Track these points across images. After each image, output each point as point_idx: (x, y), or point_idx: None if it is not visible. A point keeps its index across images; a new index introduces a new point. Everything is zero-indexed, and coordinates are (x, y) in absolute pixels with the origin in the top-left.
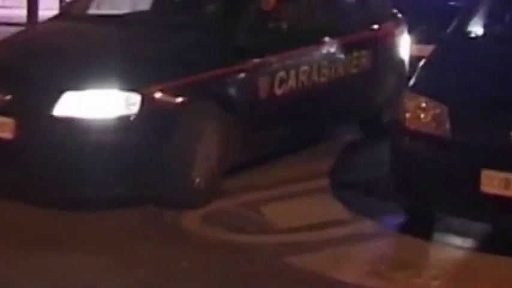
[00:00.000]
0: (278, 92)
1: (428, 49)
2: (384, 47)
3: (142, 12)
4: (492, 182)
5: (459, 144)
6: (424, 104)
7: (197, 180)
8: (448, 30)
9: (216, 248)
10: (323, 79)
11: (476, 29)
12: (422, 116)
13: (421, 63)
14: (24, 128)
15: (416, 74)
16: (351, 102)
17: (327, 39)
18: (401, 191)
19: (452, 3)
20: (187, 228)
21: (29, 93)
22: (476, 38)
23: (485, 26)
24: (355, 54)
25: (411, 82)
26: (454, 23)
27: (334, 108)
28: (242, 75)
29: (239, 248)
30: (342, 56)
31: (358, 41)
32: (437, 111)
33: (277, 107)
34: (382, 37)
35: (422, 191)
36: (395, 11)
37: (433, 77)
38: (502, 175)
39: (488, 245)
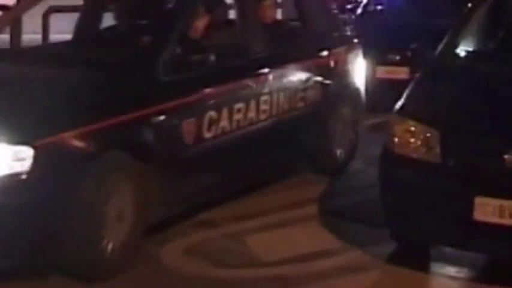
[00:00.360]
0: (207, 134)
1: (401, 71)
2: (335, 76)
3: (54, 46)
4: (486, 209)
5: (451, 170)
6: (413, 128)
7: (109, 246)
8: (438, 49)
9: (198, 284)
10: (263, 116)
11: (467, 47)
12: (411, 140)
13: (410, 84)
14: None
15: (404, 96)
16: (298, 140)
17: (266, 70)
18: (391, 219)
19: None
20: (167, 262)
21: None
22: (468, 56)
23: (476, 44)
24: (301, 85)
25: (399, 104)
26: (444, 41)
27: (278, 148)
28: (162, 117)
29: (222, 284)
30: (285, 88)
31: (304, 70)
32: (427, 135)
33: (207, 153)
34: (333, 65)
35: (413, 220)
36: (349, 34)
37: (422, 99)
38: (497, 202)
39: (484, 275)
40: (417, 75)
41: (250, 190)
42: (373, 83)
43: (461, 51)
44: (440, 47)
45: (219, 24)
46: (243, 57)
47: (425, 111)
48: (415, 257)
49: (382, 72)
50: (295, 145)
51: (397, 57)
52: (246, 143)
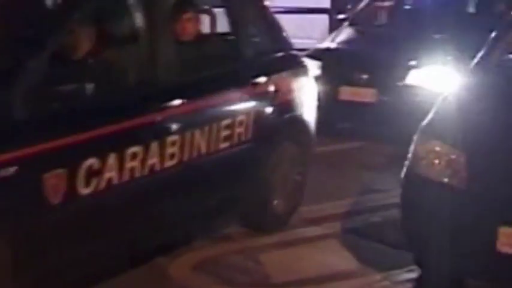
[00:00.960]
0: (84, 191)
1: (367, 92)
2: (275, 107)
3: None
4: (510, 240)
5: (475, 196)
6: (438, 149)
7: None
8: (472, 62)
9: None
10: (170, 163)
11: (504, 62)
12: (435, 162)
13: (439, 99)
14: None
15: (431, 113)
16: (222, 191)
17: (177, 102)
18: (411, 244)
19: (437, 36)
20: (174, 278)
21: None
22: (503, 72)
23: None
24: (226, 122)
25: (424, 122)
26: (480, 53)
27: (192, 203)
28: (13, 169)
29: None
30: (202, 126)
31: (229, 103)
32: (453, 157)
33: (82, 214)
34: (272, 94)
35: (434, 247)
36: (295, 54)
37: (449, 117)
38: None
39: None
40: (447, 90)
41: None
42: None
43: (497, 66)
44: (474, 60)
45: (114, 41)
46: (146, 85)
47: (452, 131)
48: (438, 285)
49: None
50: (217, 197)
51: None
52: (144, 198)
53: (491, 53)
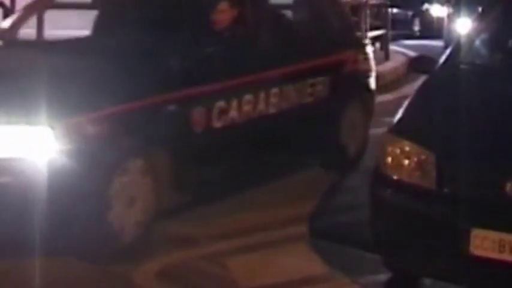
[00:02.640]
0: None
1: None
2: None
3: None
4: (484, 243)
5: (446, 197)
6: (407, 149)
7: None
8: (440, 61)
9: None
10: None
11: (472, 60)
12: (405, 162)
13: (408, 98)
14: None
15: (399, 113)
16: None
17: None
18: (381, 247)
19: None
20: (138, 286)
21: None
22: (472, 70)
23: (483, 57)
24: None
25: (394, 121)
26: (447, 52)
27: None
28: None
29: None
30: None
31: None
32: (423, 157)
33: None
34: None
35: (404, 250)
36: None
37: (418, 117)
38: (496, 235)
39: None
40: (416, 89)
41: (235, 205)
42: None
43: (466, 64)
44: (442, 59)
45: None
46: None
47: (422, 131)
48: None
49: None
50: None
51: None
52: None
53: (459, 51)
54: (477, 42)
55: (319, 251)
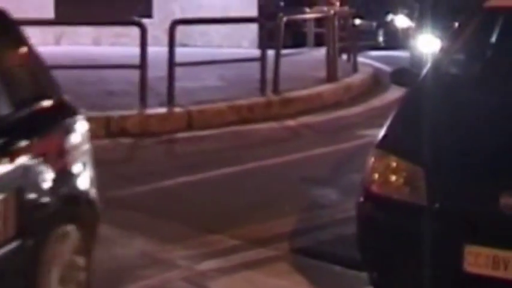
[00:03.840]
0: None
1: None
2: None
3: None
4: (478, 260)
5: (438, 213)
6: (394, 164)
7: None
8: (423, 72)
9: None
10: None
11: (455, 70)
12: (392, 178)
13: (393, 111)
14: None
15: (385, 127)
16: None
17: None
18: (369, 266)
19: None
20: None
21: None
22: (457, 80)
23: (466, 67)
24: None
25: (380, 136)
26: (430, 63)
27: None
28: None
29: None
30: None
31: None
32: (411, 173)
33: None
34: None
35: (394, 268)
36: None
37: (405, 131)
38: (490, 252)
39: None
40: (400, 102)
41: (213, 224)
42: None
43: (450, 76)
44: (425, 69)
45: None
46: None
47: (408, 145)
48: None
49: None
50: None
51: None
52: None
53: (441, 62)
54: (459, 53)
55: (301, 270)
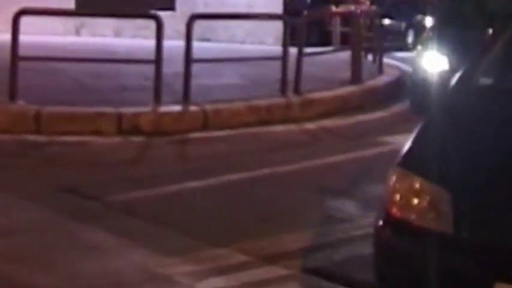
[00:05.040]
0: None
1: None
2: None
3: None
4: None
5: (466, 244)
6: (417, 186)
7: None
8: (451, 84)
9: None
10: None
11: (490, 82)
12: (415, 202)
13: (418, 126)
14: None
15: (409, 142)
16: None
17: None
18: None
19: None
20: None
21: None
22: (488, 94)
23: (499, 79)
24: None
25: (401, 154)
26: (459, 75)
27: None
28: None
29: None
30: None
31: None
32: (436, 196)
33: None
34: None
35: None
36: None
37: (430, 148)
38: None
39: None
40: (427, 114)
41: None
42: None
43: (481, 87)
44: (453, 82)
45: None
46: None
47: (434, 165)
48: None
49: None
50: None
51: None
52: None
53: (473, 72)
54: (492, 63)
55: None
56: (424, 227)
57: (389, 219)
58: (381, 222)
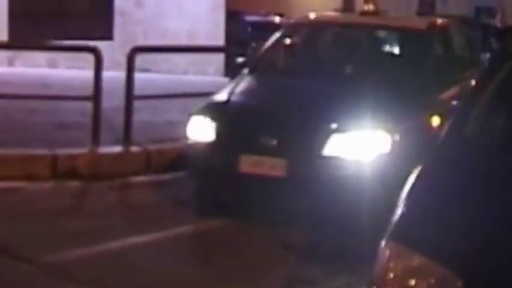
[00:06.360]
0: None
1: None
2: None
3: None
4: None
5: None
6: (417, 265)
7: None
8: (442, 135)
9: None
10: None
11: (483, 132)
12: (412, 283)
13: (406, 186)
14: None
15: (401, 208)
16: None
17: None
18: None
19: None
20: None
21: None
22: (485, 148)
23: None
24: None
25: (394, 223)
26: (449, 123)
27: None
28: None
29: None
30: None
31: None
32: (442, 280)
33: None
34: None
35: None
36: None
37: (431, 217)
38: None
39: None
40: (417, 172)
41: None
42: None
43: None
44: (444, 130)
45: None
46: None
47: (438, 239)
48: None
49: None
50: None
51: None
52: None
53: (465, 121)
54: (483, 112)
55: None
56: None
57: None
58: None
